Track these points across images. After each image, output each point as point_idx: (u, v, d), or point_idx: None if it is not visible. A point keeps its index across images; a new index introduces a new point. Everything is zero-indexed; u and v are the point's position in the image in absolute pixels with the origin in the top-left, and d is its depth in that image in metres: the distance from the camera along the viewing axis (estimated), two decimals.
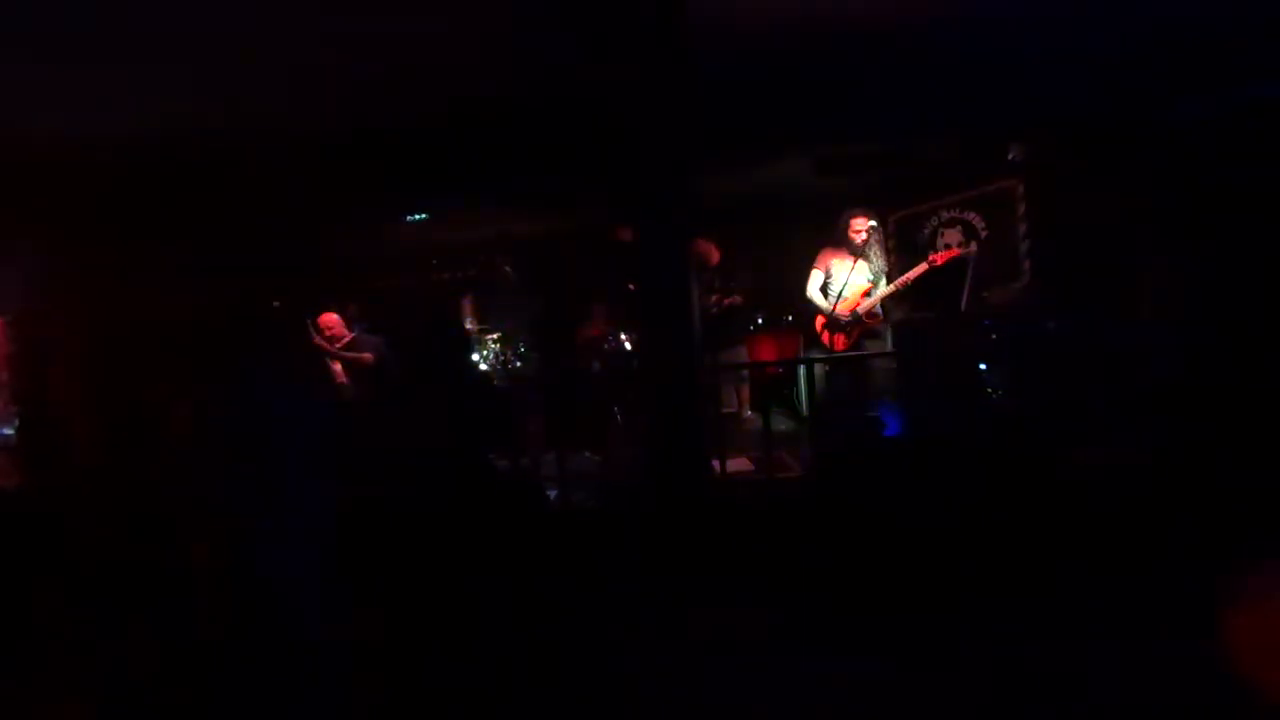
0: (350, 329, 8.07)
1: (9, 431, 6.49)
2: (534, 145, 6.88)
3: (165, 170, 6.54)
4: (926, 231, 8.68)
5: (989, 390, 7.33)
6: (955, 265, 7.30)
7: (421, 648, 4.32)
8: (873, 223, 7.11)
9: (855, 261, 7.04)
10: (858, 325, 7.09)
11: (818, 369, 7.40)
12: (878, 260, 7.15)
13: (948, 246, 8.71)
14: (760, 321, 9.53)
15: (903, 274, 7.12)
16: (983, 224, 8.51)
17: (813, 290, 7.27)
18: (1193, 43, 5.77)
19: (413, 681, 4.11)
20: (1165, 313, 6.11)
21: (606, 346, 8.53)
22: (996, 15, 5.51)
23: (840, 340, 7.20)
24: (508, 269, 9.59)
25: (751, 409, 9.03)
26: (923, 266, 6.94)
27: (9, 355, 6.49)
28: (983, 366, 7.40)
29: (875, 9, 5.36)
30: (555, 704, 4.11)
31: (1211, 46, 5.84)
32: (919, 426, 6.62)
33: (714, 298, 8.40)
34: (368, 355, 7.81)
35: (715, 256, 8.52)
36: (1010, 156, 7.95)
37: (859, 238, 7.04)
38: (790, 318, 9.48)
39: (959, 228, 8.71)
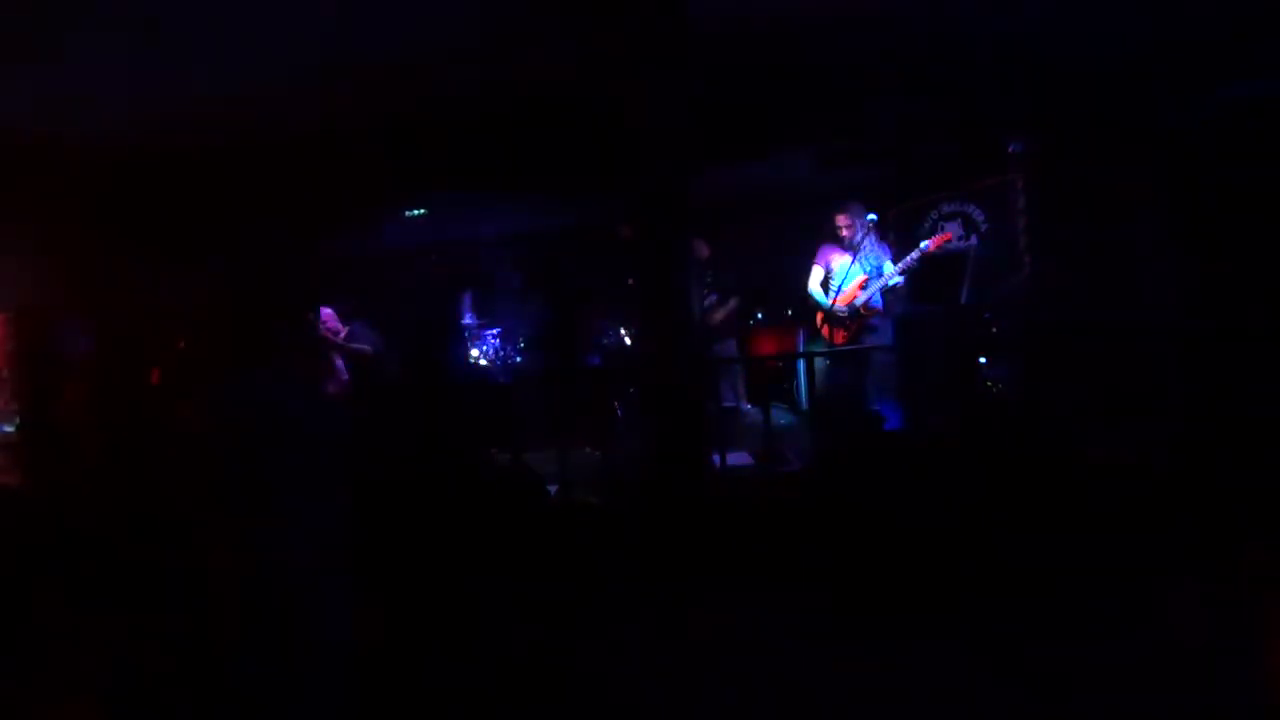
0: (349, 323, 8.04)
1: (9, 429, 6.49)
2: (534, 144, 6.86)
3: (167, 169, 6.53)
4: (926, 225, 8.65)
5: (989, 384, 7.33)
6: (955, 258, 7.29)
7: (421, 647, 4.32)
8: (871, 216, 7.09)
9: (851, 255, 7.04)
10: (856, 319, 7.08)
11: (818, 363, 7.39)
12: (872, 253, 7.13)
13: (947, 240, 8.70)
14: (760, 316, 9.53)
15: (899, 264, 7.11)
16: (983, 217, 8.50)
17: (813, 286, 7.28)
18: (1193, 43, 5.75)
19: (412, 681, 4.12)
20: (1165, 310, 6.10)
21: (606, 342, 8.54)
22: (998, 11, 5.50)
23: (840, 335, 7.20)
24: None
25: (751, 403, 9.05)
26: (914, 254, 6.93)
27: (9, 352, 6.49)
28: (983, 360, 7.40)
29: (876, 5, 5.35)
30: (555, 703, 4.12)
31: (1211, 46, 5.82)
32: (919, 421, 6.62)
33: (708, 294, 8.42)
34: (367, 347, 7.78)
35: (705, 252, 8.53)
36: (1011, 150, 7.92)
37: (845, 233, 7.07)
38: (790, 312, 9.47)
39: (959, 221, 8.69)
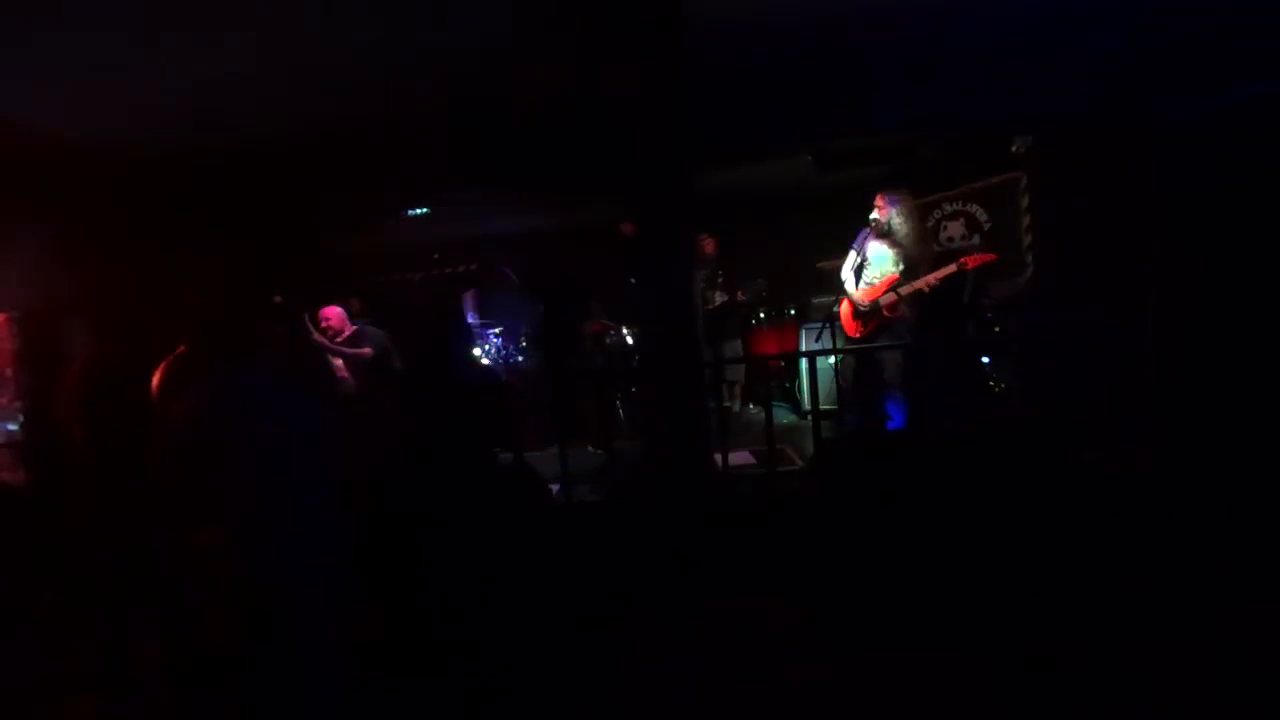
0: (354, 322, 8.06)
1: (14, 427, 6.53)
2: (536, 143, 6.86)
3: (172, 169, 6.54)
4: (929, 225, 8.64)
5: (991, 383, 7.33)
6: (957, 256, 7.22)
7: (422, 647, 4.33)
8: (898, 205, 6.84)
9: (889, 247, 6.79)
10: (876, 316, 6.87)
11: (829, 360, 7.32)
12: (909, 245, 6.87)
13: (950, 240, 8.69)
14: (762, 316, 9.54)
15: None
16: (985, 217, 8.51)
17: (846, 272, 6.94)
18: (1192, 41, 5.75)
19: (412, 681, 4.13)
20: (1165, 309, 6.10)
21: (609, 341, 8.55)
22: (1000, 10, 5.50)
23: (856, 327, 7.00)
24: (508, 271, 9.55)
25: (753, 403, 9.04)
26: (951, 267, 6.76)
27: (15, 352, 6.54)
28: (985, 360, 7.40)
29: (877, 4, 5.35)
30: (557, 703, 4.13)
31: (1210, 46, 5.82)
32: (922, 420, 6.60)
33: (714, 293, 8.43)
34: (367, 350, 7.78)
35: (710, 249, 8.52)
36: (1014, 150, 7.92)
37: (881, 215, 6.76)
38: (791, 311, 9.48)
39: (962, 220, 8.70)
